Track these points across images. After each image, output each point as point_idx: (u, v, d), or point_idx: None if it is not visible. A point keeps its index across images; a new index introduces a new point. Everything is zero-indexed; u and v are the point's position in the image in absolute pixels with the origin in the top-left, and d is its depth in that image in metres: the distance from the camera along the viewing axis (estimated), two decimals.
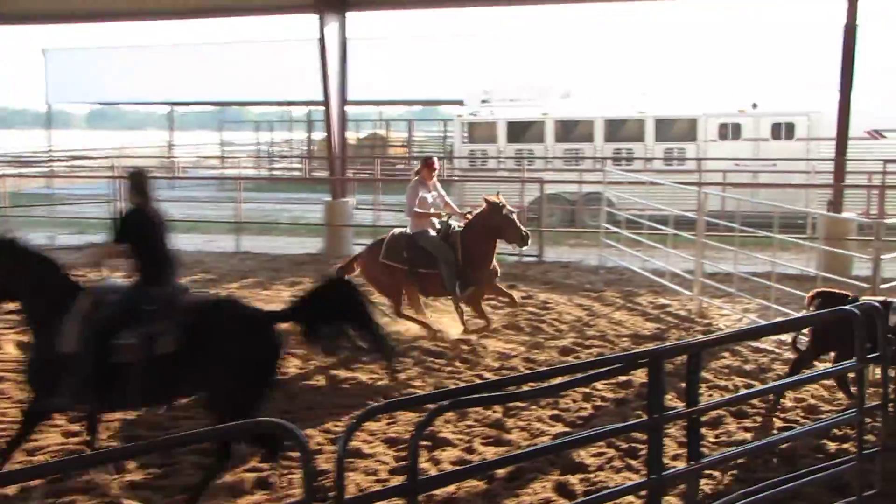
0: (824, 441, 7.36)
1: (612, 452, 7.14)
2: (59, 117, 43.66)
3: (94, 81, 41.09)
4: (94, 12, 21.08)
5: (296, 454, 6.83)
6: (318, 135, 39.68)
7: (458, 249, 10.81)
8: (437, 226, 11.16)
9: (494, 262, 11.10)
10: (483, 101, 26.85)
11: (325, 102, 18.66)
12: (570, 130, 25.51)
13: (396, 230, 11.47)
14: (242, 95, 43.23)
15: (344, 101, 19.32)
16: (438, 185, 11.46)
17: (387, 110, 44.02)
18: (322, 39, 18.17)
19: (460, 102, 28.46)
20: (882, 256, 9.08)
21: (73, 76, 41.66)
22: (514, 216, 10.89)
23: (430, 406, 4.06)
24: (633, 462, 6.94)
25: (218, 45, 40.05)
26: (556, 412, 8.14)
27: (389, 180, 27.07)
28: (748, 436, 7.53)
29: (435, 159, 11.50)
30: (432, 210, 11.11)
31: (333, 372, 9.57)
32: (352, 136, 34.98)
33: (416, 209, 10.93)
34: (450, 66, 33.96)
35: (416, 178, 11.21)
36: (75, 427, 7.63)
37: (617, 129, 24.96)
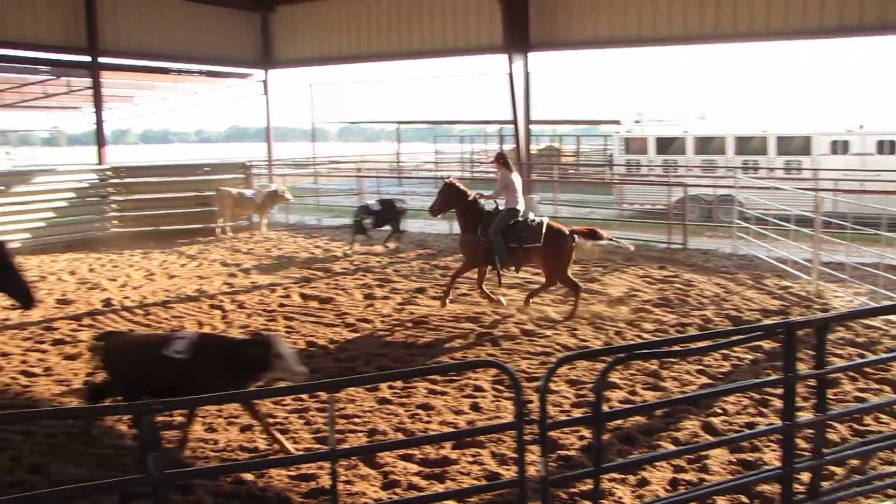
0: None
1: (746, 402, 6.89)
2: (319, 133, 45.69)
3: (344, 106, 43.24)
4: (345, 56, 22.04)
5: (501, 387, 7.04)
6: (507, 146, 39.93)
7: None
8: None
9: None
10: (636, 121, 26.24)
11: (514, 121, 18.71)
12: (707, 145, 24.57)
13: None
14: (450, 116, 44.36)
15: (528, 120, 19.33)
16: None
17: (559, 128, 43.65)
18: (511, 74, 18.20)
19: (618, 122, 27.85)
20: None
21: (329, 103, 44.23)
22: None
23: (608, 358, 4.03)
24: (764, 409, 6.68)
25: (433, 78, 40.99)
26: (700, 367, 7.92)
27: (564, 182, 26.93)
28: (862, 395, 7.10)
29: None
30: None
31: (526, 327, 9.69)
32: (533, 147, 34.98)
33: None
34: (609, 93, 33.27)
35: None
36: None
37: (745, 145, 23.83)
